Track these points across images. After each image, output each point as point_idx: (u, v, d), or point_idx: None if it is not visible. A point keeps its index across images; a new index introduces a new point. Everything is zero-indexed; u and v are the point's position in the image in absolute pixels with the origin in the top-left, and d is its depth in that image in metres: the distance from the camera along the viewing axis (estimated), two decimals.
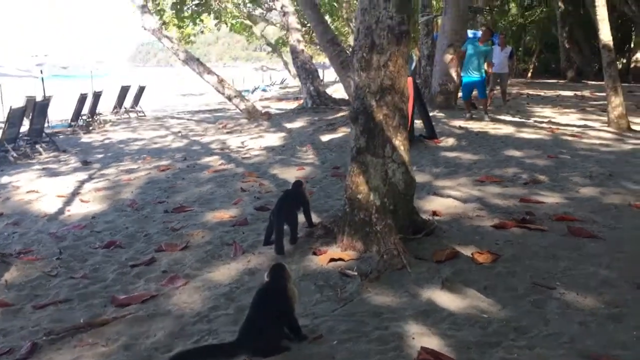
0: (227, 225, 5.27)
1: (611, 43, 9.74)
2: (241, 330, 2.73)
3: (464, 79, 11.62)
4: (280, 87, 39.53)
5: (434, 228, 4.36)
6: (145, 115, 19.93)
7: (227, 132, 13.39)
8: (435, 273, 3.62)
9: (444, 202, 5.59)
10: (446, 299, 3.27)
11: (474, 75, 11.22)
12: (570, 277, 3.50)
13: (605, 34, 9.60)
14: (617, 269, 3.60)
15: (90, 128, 15.97)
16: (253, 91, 31.92)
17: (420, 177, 6.00)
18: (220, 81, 15.06)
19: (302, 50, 16.57)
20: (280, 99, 26.21)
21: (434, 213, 5.03)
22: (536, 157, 7.77)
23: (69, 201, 6.89)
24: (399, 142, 4.08)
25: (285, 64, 34.35)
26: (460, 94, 12.60)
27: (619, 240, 4.18)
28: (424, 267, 3.73)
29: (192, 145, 11.63)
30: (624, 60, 27.37)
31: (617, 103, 9.72)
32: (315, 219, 4.94)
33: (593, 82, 23.50)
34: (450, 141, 9.23)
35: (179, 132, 14.39)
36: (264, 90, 35.57)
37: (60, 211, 6.41)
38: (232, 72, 41.15)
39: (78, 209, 6.42)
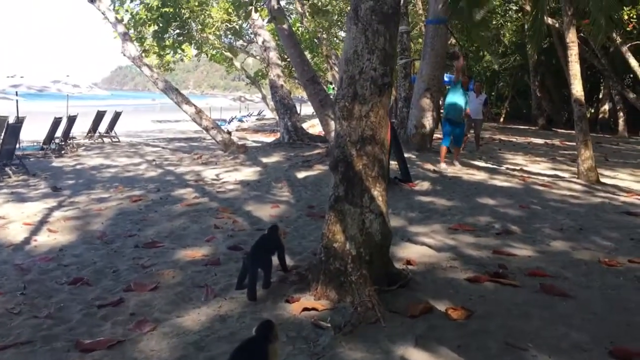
0: (199, 264, 5.18)
1: (582, 98, 10.04)
2: None
3: (448, 123, 11.25)
4: (257, 119, 39.71)
5: (408, 280, 4.35)
6: (119, 141, 19.77)
7: (203, 164, 13.33)
8: (409, 328, 3.59)
9: (418, 249, 5.59)
10: (419, 358, 3.23)
11: (458, 120, 11.15)
12: (543, 339, 3.50)
13: (577, 90, 9.89)
14: (588, 331, 3.62)
15: (63, 152, 15.77)
16: (230, 121, 31.98)
17: (394, 221, 6.00)
18: (198, 112, 15.03)
19: (282, 86, 16.69)
20: (257, 130, 26.32)
21: (408, 262, 5.02)
22: (508, 206, 7.86)
23: (36, 230, 6.72)
24: (378, 192, 4.09)
25: (264, 97, 34.53)
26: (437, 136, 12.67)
27: (589, 299, 4.21)
28: (398, 321, 3.70)
29: (166, 175, 11.53)
30: (592, 111, 28.22)
31: (587, 156, 9.95)
32: (289, 260, 4.89)
33: (563, 130, 24.17)
34: (425, 185, 9.31)
35: (154, 160, 14.28)
36: (240, 120, 35.72)
37: (27, 241, 6.24)
38: (210, 101, 41.08)
39: (45, 239, 6.26)
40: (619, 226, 6.74)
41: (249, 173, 11.35)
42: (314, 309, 3.88)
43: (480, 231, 6.40)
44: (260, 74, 34.33)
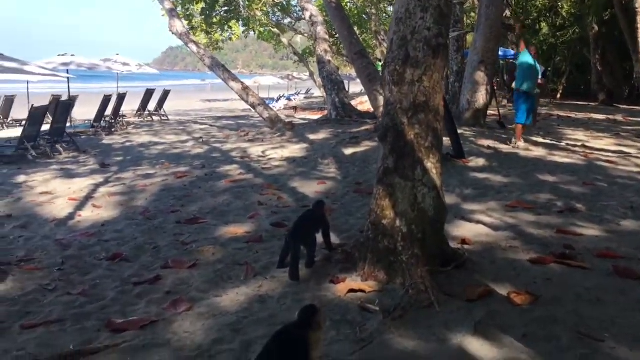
0: (240, 241, 4.95)
1: None
2: None
3: (523, 96, 10.07)
4: (305, 97, 39.45)
5: (464, 260, 3.97)
6: (168, 119, 19.87)
7: (249, 141, 13.16)
8: (467, 314, 3.23)
9: (473, 228, 5.20)
10: (480, 348, 2.88)
11: (533, 91, 10.10)
12: (620, 328, 3.08)
13: None
14: None
15: (113, 130, 15.91)
16: (278, 99, 31.83)
17: (447, 199, 5.61)
18: (245, 88, 14.84)
19: (329, 61, 16.28)
20: (304, 108, 26.03)
21: (463, 241, 4.64)
22: (571, 183, 7.32)
23: (81, 205, 6.66)
24: (431, 164, 3.72)
25: (312, 73, 34.06)
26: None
27: None
28: (454, 305, 3.34)
29: (212, 152, 11.42)
30: None
31: None
32: (334, 239, 4.58)
33: (625, 106, 22.89)
34: (480, 161, 8.82)
35: (201, 137, 14.20)
36: (288, 99, 35.47)
37: (71, 216, 6.17)
38: (258, 79, 41.02)
39: (89, 215, 6.18)
40: None
41: (295, 150, 11.09)
42: (360, 290, 3.57)
43: (541, 209, 5.93)
44: (308, 51, 33.94)
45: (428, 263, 3.63)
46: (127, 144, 13.32)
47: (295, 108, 25.74)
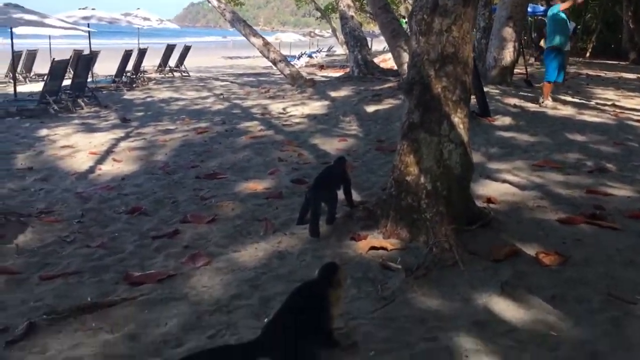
0: (260, 197, 4.88)
1: None
2: (264, 332, 2.30)
3: (555, 52, 9.63)
4: (327, 55, 38.76)
5: (490, 219, 3.84)
6: (189, 76, 19.73)
7: (270, 97, 12.99)
8: (493, 274, 3.13)
9: (499, 187, 5.04)
10: (506, 308, 2.78)
11: (564, 48, 9.69)
12: None
13: None
14: None
15: (134, 85, 15.84)
16: (299, 57, 31.36)
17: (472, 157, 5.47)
18: (266, 44, 14.57)
19: (352, 17, 15.86)
20: (326, 66, 25.60)
21: (489, 200, 4.49)
22: (600, 142, 7.09)
23: (101, 159, 6.64)
24: (459, 119, 3.55)
25: (334, 30, 33.35)
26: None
27: None
28: (480, 265, 3.23)
29: (232, 109, 11.31)
30: None
31: None
32: (355, 196, 4.47)
33: None
34: (506, 120, 8.57)
35: (221, 94, 14.07)
36: (310, 56, 34.92)
37: (91, 169, 6.15)
38: (280, 36, 40.37)
39: (109, 169, 6.16)
40: None
41: (316, 107, 10.91)
42: (382, 248, 3.47)
43: (570, 169, 5.75)
44: (330, 7, 33.21)
45: (453, 221, 3.50)
46: (148, 99, 13.25)
47: (321, 66, 25.31)
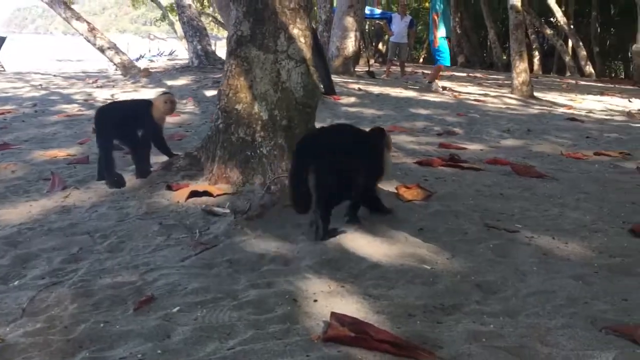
0: (60, 163, 3.83)
1: (519, 4, 9.17)
2: None
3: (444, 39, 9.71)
4: (169, 59, 36.90)
5: None
6: (4, 70, 17.29)
7: (97, 87, 11.58)
8: (347, 211, 2.45)
9: None
10: (365, 244, 2.11)
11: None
12: (534, 219, 2.48)
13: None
14: (589, 210, 2.64)
15: None
16: (137, 60, 29.37)
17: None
18: (91, 29, 13.05)
19: (189, 5, 14.87)
20: (168, 70, 24.11)
21: None
22: (445, 114, 6.96)
23: None
24: (299, 30, 2.84)
25: (172, 24, 31.76)
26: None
27: (574, 180, 3.26)
28: None
29: (50, 96, 9.85)
30: None
31: (521, 68, 9.17)
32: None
33: (481, 70, 23.83)
34: (351, 99, 8.23)
35: (40, 85, 12.32)
36: (150, 60, 32.92)
37: None
38: (116, 39, 37.81)
39: None
40: (567, 129, 6.02)
41: (149, 94, 9.78)
42: (206, 193, 2.64)
43: (419, 132, 5.41)
44: (169, 7, 31.65)
45: None
46: None
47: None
